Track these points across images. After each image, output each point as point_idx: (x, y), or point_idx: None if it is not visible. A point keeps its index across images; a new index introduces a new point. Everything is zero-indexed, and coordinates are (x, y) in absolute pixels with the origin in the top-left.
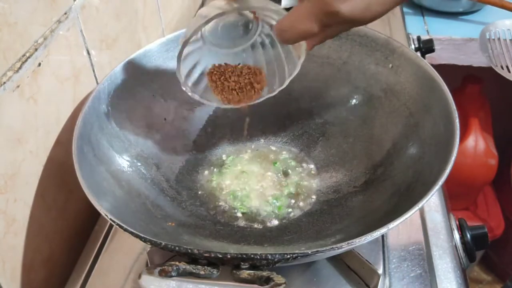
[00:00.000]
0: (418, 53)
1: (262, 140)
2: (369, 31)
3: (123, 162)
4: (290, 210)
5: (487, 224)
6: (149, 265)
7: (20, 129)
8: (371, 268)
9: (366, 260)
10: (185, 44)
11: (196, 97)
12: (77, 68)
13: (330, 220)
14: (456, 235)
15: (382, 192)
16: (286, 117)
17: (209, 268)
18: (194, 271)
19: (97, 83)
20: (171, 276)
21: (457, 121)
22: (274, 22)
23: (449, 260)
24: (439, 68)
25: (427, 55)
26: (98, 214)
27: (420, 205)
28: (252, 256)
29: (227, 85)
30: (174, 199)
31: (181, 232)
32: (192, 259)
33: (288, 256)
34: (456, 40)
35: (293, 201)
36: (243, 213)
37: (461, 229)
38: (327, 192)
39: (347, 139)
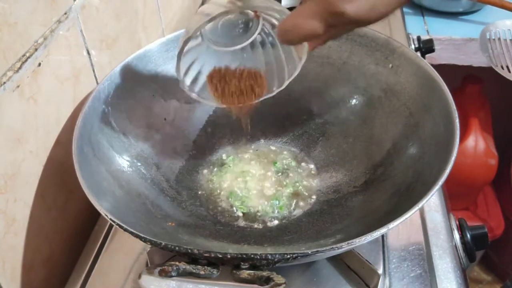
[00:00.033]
0: (418, 53)
1: (262, 140)
2: (369, 31)
3: (123, 162)
4: (290, 210)
5: (487, 224)
6: (149, 265)
7: (20, 129)
8: (371, 268)
9: (366, 260)
10: (187, 41)
11: (194, 95)
12: (77, 68)
13: (330, 220)
14: (456, 235)
15: (382, 192)
16: (286, 117)
17: (209, 268)
18: (194, 271)
19: (97, 83)
20: (171, 276)
21: (457, 121)
22: (276, 22)
23: (449, 260)
24: (439, 68)
25: (427, 55)
26: (98, 214)
27: (420, 205)
28: (252, 256)
29: (228, 89)
30: (174, 199)
31: (181, 232)
32: (192, 259)
33: (288, 256)
34: (456, 40)
35: (293, 201)
36: (243, 213)
37: (461, 229)
38: (327, 192)
39: (347, 139)
